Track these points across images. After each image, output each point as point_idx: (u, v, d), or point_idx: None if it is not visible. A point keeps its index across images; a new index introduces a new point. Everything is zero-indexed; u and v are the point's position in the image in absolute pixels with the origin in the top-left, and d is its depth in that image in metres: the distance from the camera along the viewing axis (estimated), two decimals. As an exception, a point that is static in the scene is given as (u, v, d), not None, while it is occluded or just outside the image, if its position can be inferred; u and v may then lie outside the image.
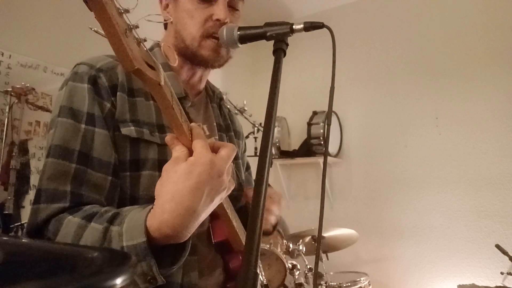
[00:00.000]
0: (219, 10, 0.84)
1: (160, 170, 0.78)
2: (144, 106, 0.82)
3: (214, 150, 0.64)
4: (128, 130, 0.77)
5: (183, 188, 0.58)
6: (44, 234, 0.68)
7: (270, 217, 1.01)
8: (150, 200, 0.77)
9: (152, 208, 0.61)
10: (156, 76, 0.54)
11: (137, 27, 0.50)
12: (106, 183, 0.74)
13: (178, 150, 0.61)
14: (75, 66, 0.80)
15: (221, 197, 0.65)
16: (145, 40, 0.52)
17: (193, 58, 0.89)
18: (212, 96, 1.06)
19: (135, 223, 0.60)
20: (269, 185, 1.03)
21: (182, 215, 0.58)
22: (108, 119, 0.76)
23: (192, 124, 0.64)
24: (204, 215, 0.63)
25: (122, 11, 0.47)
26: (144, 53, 0.53)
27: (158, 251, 0.61)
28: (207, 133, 0.96)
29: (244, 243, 0.89)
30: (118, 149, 0.76)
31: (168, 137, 0.62)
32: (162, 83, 0.55)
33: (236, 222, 0.86)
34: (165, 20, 0.93)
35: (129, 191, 0.77)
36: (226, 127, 1.06)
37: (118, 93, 0.78)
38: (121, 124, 0.77)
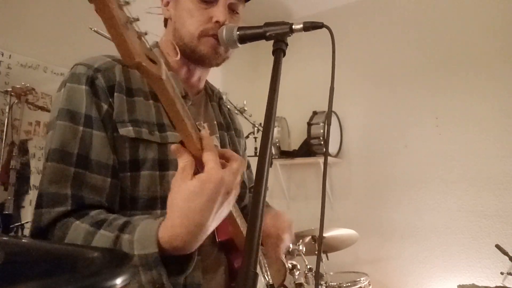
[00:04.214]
0: (219, 12, 0.83)
1: (160, 169, 0.78)
2: (143, 105, 0.81)
3: (224, 159, 0.65)
4: (126, 130, 0.77)
5: (195, 206, 0.59)
6: (49, 239, 0.69)
7: (282, 246, 1.01)
8: (150, 200, 0.76)
9: (163, 220, 0.62)
10: (158, 70, 0.53)
11: (137, 19, 0.49)
12: (106, 185, 0.74)
13: (184, 160, 0.62)
14: (73, 67, 0.80)
15: (228, 210, 0.67)
16: (146, 34, 0.51)
17: (191, 56, 0.88)
18: (212, 95, 1.05)
19: (148, 234, 0.62)
20: (277, 211, 1.04)
21: (192, 231, 0.60)
22: (106, 120, 0.76)
23: (202, 133, 0.65)
24: (211, 228, 0.64)
25: (123, 3, 0.46)
26: (145, 47, 0.52)
27: (167, 261, 0.62)
28: (208, 131, 0.96)
29: None
30: (118, 150, 0.76)
31: (174, 147, 0.63)
32: (164, 77, 0.54)
33: (241, 221, 0.86)
34: (164, 14, 0.92)
35: (129, 191, 0.77)
36: (226, 126, 1.06)
37: (115, 94, 0.78)
38: (119, 124, 0.77)
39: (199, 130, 0.65)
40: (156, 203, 0.78)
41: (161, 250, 0.61)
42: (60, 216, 0.69)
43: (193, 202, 0.59)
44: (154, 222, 0.63)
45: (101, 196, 0.73)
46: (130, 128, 0.77)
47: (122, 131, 0.77)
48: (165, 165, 0.79)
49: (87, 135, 0.74)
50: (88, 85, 0.76)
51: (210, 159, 0.62)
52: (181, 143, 0.63)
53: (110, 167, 0.75)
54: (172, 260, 0.64)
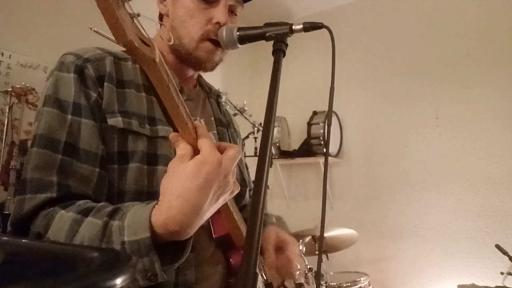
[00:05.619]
0: (220, 13, 0.82)
1: (148, 163, 0.76)
2: (135, 97, 0.80)
3: (220, 151, 0.64)
4: (115, 120, 0.75)
5: (191, 185, 0.57)
6: (31, 228, 0.66)
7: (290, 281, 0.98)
8: (137, 193, 0.74)
9: (157, 203, 0.60)
10: (151, 52, 0.52)
11: None
12: (94, 175, 0.72)
13: (183, 148, 0.61)
14: (62, 56, 0.78)
15: (224, 198, 0.65)
16: (138, 15, 0.50)
17: (186, 58, 0.87)
18: (209, 92, 1.04)
19: (139, 218, 0.59)
20: (289, 232, 1.02)
21: (189, 212, 0.58)
22: (95, 109, 0.74)
23: (196, 122, 0.64)
24: (208, 214, 0.63)
25: None
26: (137, 28, 0.51)
27: (159, 248, 0.60)
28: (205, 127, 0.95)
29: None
30: (106, 141, 0.74)
31: (172, 135, 0.62)
32: (157, 59, 0.53)
33: (238, 216, 0.84)
34: (160, 9, 0.90)
35: (116, 184, 0.74)
36: (226, 123, 1.05)
37: (105, 84, 0.76)
38: (108, 114, 0.75)
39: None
40: (143, 198, 0.74)
41: (154, 235, 0.58)
42: (44, 204, 0.66)
43: (190, 181, 0.57)
44: (147, 207, 0.61)
45: (88, 187, 0.71)
46: (119, 118, 0.75)
47: (111, 121, 0.74)
48: (154, 159, 0.77)
49: (76, 124, 0.72)
50: (76, 74, 0.74)
51: (205, 143, 0.61)
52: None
53: (99, 156, 0.73)
54: (164, 248, 0.61)
